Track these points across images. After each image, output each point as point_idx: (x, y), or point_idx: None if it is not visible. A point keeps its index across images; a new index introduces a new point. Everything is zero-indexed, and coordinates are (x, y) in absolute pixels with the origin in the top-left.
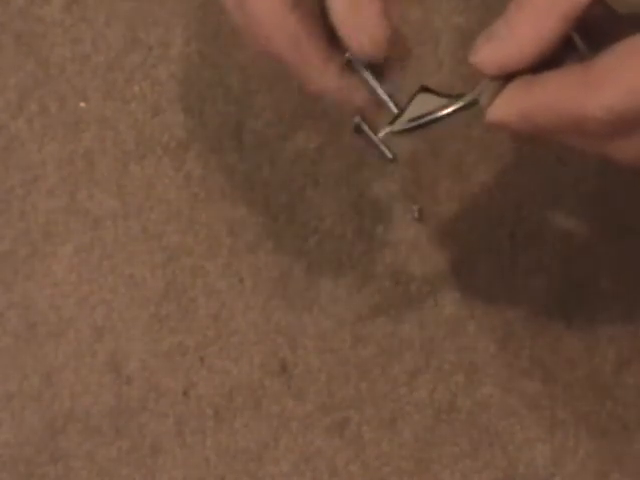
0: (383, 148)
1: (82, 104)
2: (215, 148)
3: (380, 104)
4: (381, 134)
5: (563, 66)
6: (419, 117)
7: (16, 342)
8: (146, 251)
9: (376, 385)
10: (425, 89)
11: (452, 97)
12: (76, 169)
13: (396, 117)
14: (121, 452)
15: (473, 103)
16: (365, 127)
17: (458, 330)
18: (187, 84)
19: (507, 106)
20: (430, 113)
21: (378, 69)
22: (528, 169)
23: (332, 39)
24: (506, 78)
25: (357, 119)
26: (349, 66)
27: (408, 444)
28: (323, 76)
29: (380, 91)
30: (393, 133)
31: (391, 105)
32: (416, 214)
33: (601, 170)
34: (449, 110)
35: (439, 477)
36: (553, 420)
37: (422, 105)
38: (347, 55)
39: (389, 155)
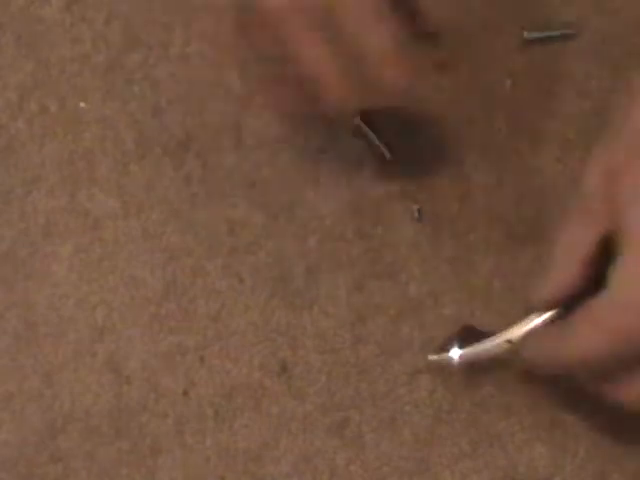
0: (383, 148)
1: (82, 104)
2: (215, 148)
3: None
4: (433, 358)
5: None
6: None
7: (16, 342)
8: (146, 251)
9: (376, 385)
10: (468, 327)
11: (494, 335)
12: (76, 169)
13: (442, 350)
14: (121, 452)
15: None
16: (365, 128)
17: None
18: (187, 84)
19: (538, 350)
20: (480, 348)
21: None
22: (528, 169)
23: None
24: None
25: (357, 120)
26: None
27: (408, 444)
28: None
29: None
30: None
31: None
32: (416, 214)
33: None
34: (494, 345)
35: (439, 477)
36: (553, 420)
37: (468, 341)
38: None
39: (389, 155)
